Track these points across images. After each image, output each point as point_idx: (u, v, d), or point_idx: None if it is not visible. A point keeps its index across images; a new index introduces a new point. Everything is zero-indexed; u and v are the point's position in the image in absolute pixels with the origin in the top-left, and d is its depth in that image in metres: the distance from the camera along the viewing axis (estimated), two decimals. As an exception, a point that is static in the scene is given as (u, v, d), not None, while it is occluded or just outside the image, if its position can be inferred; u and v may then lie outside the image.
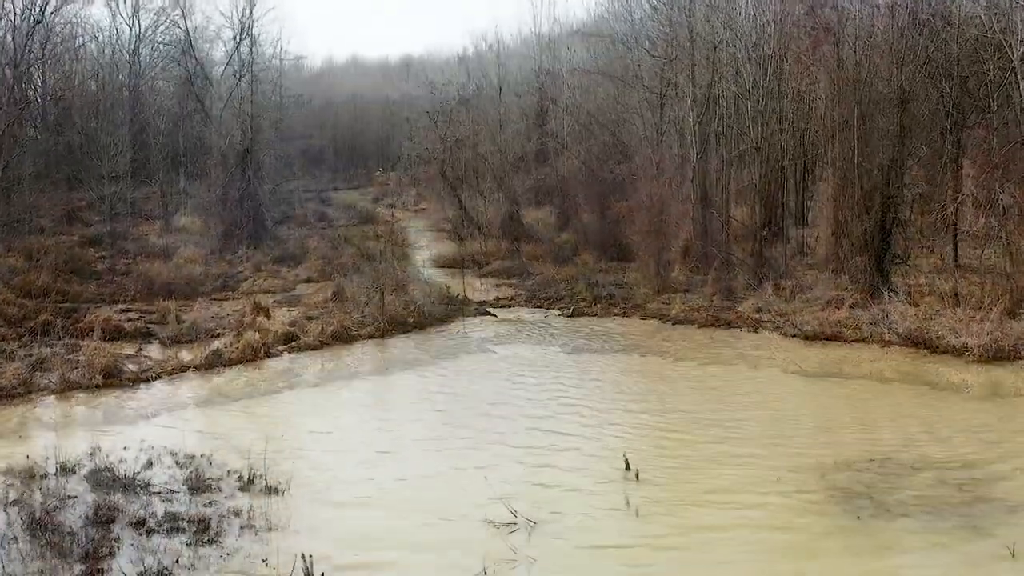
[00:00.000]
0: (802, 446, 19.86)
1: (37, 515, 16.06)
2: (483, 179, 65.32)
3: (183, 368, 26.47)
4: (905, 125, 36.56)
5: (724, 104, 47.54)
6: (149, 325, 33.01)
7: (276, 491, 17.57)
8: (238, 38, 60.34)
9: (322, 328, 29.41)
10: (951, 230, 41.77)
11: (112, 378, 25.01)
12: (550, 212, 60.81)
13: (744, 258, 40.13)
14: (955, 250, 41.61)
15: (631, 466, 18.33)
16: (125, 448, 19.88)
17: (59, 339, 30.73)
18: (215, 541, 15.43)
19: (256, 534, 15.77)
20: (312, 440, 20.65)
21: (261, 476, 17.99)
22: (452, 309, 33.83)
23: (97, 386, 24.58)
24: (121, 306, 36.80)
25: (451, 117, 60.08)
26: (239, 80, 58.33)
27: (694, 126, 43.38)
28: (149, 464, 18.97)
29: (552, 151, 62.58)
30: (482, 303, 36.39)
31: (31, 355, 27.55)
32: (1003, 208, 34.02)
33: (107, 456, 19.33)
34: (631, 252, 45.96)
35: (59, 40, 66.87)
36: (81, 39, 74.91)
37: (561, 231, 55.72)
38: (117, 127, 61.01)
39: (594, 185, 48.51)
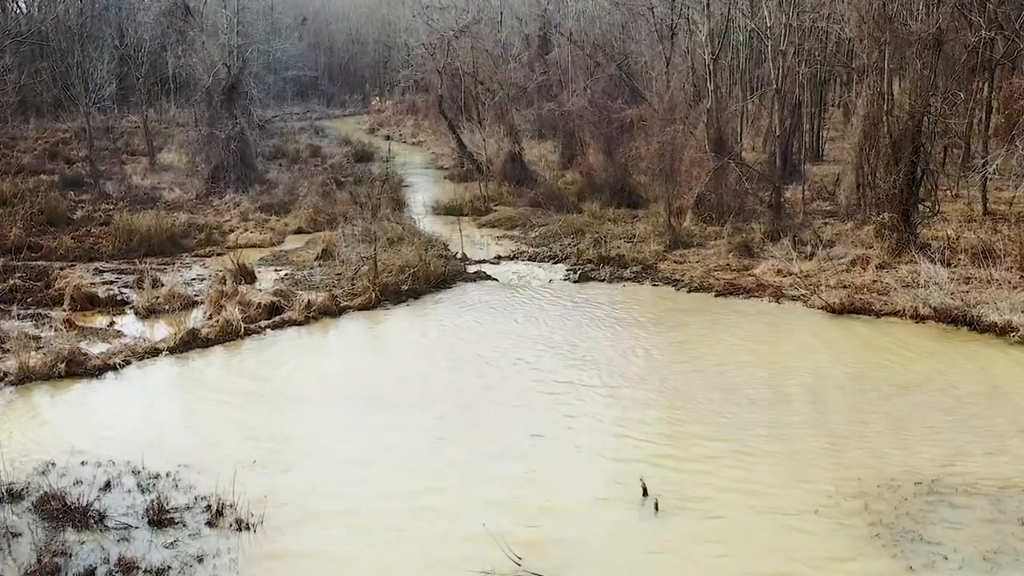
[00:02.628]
0: (840, 459, 17.74)
1: (-28, 565, 14.09)
2: (484, 110, 62.54)
3: (155, 351, 24.19)
4: (939, 68, 33.73)
5: (740, 39, 44.55)
6: (124, 290, 30.78)
7: (247, 526, 15.50)
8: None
9: (308, 302, 27.08)
10: (981, 175, 39.35)
11: (76, 366, 22.75)
12: (553, 148, 58.14)
13: (761, 209, 37.61)
14: (984, 197, 39.23)
15: (648, 491, 16.28)
16: (83, 463, 17.80)
17: (27, 308, 28.74)
18: (173, 602, 13.46)
19: (221, 589, 13.79)
20: (288, 453, 18.44)
21: (232, 506, 15.93)
22: (450, 272, 31.40)
23: (59, 376, 22.34)
24: (97, 264, 34.61)
25: (449, 48, 56.95)
26: (224, 7, 54.95)
27: (709, 64, 40.43)
28: (107, 486, 16.88)
29: (556, 82, 59.57)
30: (482, 262, 34.07)
31: (-8, 331, 25.46)
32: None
33: (61, 475, 17.31)
34: (640, 197, 43.61)
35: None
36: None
37: (565, 169, 53.21)
38: (102, 52, 57.77)
39: (601, 125, 45.71)
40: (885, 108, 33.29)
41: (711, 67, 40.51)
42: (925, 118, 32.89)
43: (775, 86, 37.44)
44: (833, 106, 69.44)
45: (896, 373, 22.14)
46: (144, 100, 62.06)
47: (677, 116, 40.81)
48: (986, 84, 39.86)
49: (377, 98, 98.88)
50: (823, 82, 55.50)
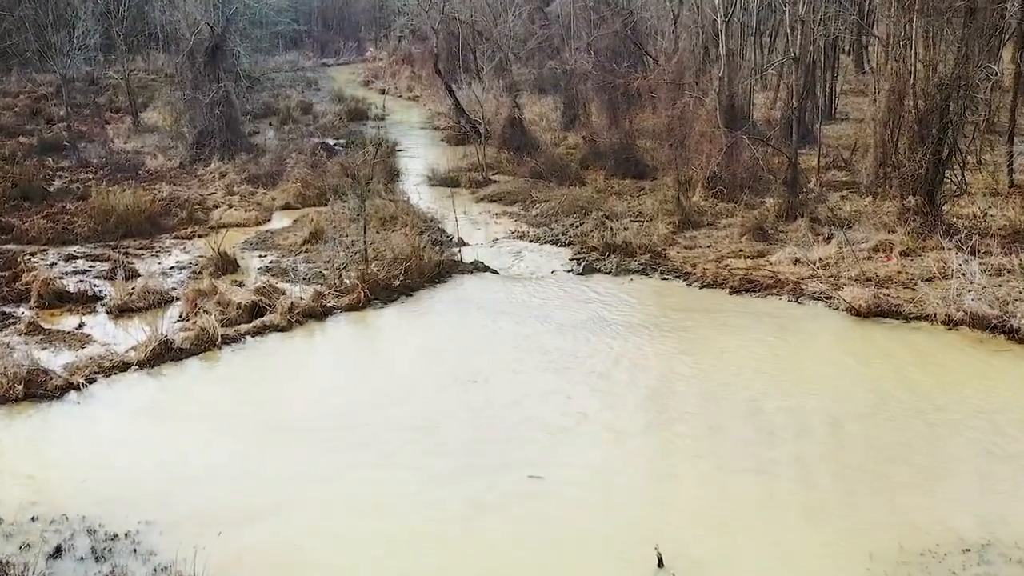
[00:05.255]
0: (873, 514, 15.83)
1: None
2: (482, 62, 60.12)
3: (124, 365, 22.22)
4: (970, 38, 31.27)
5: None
6: (97, 282, 28.84)
7: (212, 610, 13.77)
8: None
9: (292, 304, 25.06)
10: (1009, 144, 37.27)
11: (36, 387, 20.82)
12: (554, 105, 55.62)
13: (776, 185, 35.37)
14: (1010, 168, 37.10)
15: (663, 561, 14.48)
16: (33, 519, 15.99)
17: (-9, 305, 26.92)
18: None
19: None
20: (261, 502, 16.55)
21: (195, 581, 14.16)
22: (445, 263, 29.23)
23: (17, 399, 20.43)
24: (71, 249, 32.56)
25: (446, 2, 54.25)
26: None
27: (721, 28, 37.92)
28: (57, 552, 15.08)
29: (557, 36, 56.92)
30: (479, 245, 31.99)
31: (-53, 341, 23.55)
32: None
33: (8, 535, 15.58)
34: (647, 167, 41.45)
35: None
36: None
37: (567, 131, 50.91)
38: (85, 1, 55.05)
39: (606, 88, 43.28)
40: (912, 82, 31.03)
41: (723, 30, 38.00)
42: (955, 92, 30.56)
43: (793, 55, 35.02)
44: (844, 53, 66.58)
45: (929, 397, 20.13)
46: (126, 57, 59.35)
47: (686, 81, 38.52)
48: (1019, 51, 37.29)
49: (372, 48, 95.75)
50: (836, 37, 52.85)
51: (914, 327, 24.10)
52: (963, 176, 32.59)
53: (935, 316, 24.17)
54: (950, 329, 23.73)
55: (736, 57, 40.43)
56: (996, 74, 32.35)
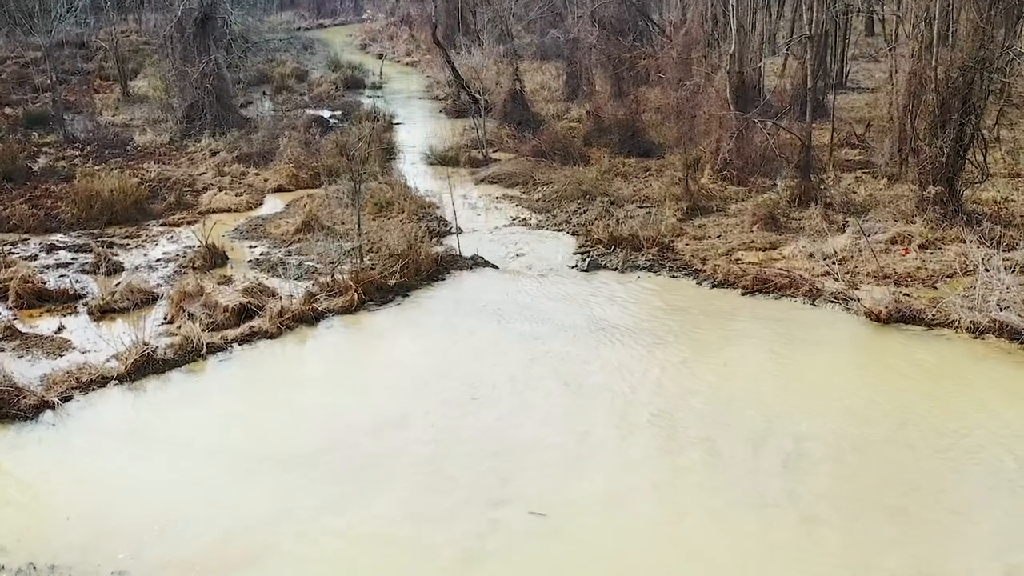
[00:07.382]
0: (901, 567, 14.68)
1: None
2: (481, 27, 58.41)
3: (103, 380, 21.01)
4: (996, 17, 29.64)
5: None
6: (80, 277, 27.60)
7: None
8: None
9: (281, 308, 23.80)
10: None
11: (7, 406, 19.58)
12: (557, 74, 54.01)
13: (788, 169, 33.93)
14: (1031, 153, 35.76)
15: (677, 625, 13.42)
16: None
17: (-36, 307, 25.73)
18: None
19: None
20: (238, 552, 15.38)
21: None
22: (444, 258, 27.88)
23: (-13, 420, 19.30)
24: (54, 238, 31.30)
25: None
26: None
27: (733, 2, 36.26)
28: (19, 615, 14.04)
29: (561, 2, 55.23)
30: (479, 236, 30.65)
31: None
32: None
33: (-33, 594, 14.45)
34: (653, 144, 40.07)
35: None
36: None
37: (570, 100, 49.49)
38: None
39: (612, 63, 41.71)
40: (934, 63, 29.47)
41: (734, 3, 36.30)
42: (978, 75, 28.99)
43: (807, 33, 33.41)
44: (854, 15, 64.70)
45: (954, 420, 18.73)
46: (114, 22, 57.55)
47: (694, 57, 37.01)
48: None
49: (369, 9, 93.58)
50: (848, 6, 51.06)
51: (937, 335, 22.81)
52: (984, 161, 31.13)
53: (959, 323, 22.90)
54: (975, 338, 22.44)
55: (746, 28, 38.70)
56: (1021, 55, 30.58)
